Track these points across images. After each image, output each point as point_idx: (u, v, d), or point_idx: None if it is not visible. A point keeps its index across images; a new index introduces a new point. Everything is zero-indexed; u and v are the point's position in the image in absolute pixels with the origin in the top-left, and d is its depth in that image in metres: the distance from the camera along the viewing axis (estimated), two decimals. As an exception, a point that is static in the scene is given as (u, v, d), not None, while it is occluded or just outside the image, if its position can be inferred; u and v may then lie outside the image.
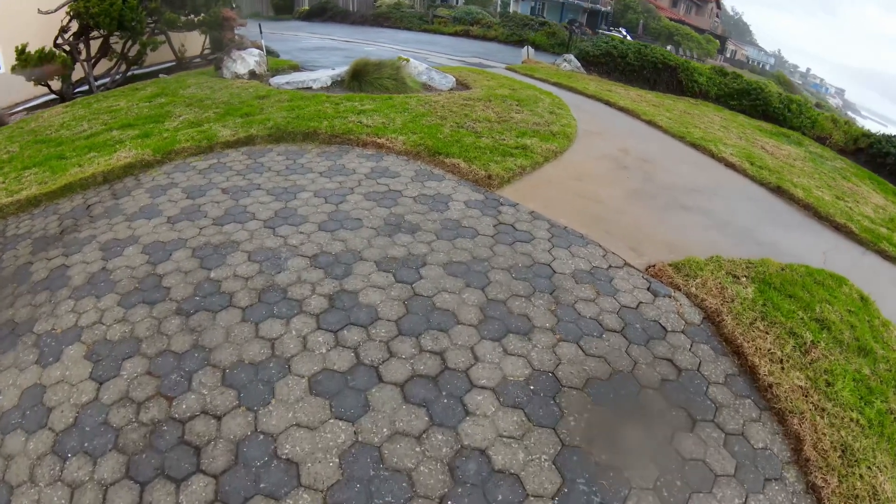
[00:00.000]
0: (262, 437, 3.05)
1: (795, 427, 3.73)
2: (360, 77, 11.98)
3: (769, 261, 5.88)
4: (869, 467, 3.56)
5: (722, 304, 4.76)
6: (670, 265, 5.30)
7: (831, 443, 3.66)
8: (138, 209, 5.63)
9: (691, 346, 4.26)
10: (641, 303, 4.63)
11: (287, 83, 11.73)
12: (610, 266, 5.09)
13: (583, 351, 3.94)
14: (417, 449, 3.13)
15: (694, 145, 10.80)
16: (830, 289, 5.73)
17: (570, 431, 3.32)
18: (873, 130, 15.69)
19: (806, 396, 4.03)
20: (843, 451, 3.64)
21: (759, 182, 9.57)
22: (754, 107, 16.35)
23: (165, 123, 8.52)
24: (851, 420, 3.93)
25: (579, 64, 17.71)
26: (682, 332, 4.39)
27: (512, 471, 3.07)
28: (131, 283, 4.37)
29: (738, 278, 5.36)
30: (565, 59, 17.78)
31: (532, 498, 2.93)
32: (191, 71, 14.22)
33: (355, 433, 3.15)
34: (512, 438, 3.24)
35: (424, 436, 3.21)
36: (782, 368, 4.21)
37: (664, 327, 4.39)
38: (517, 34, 26.95)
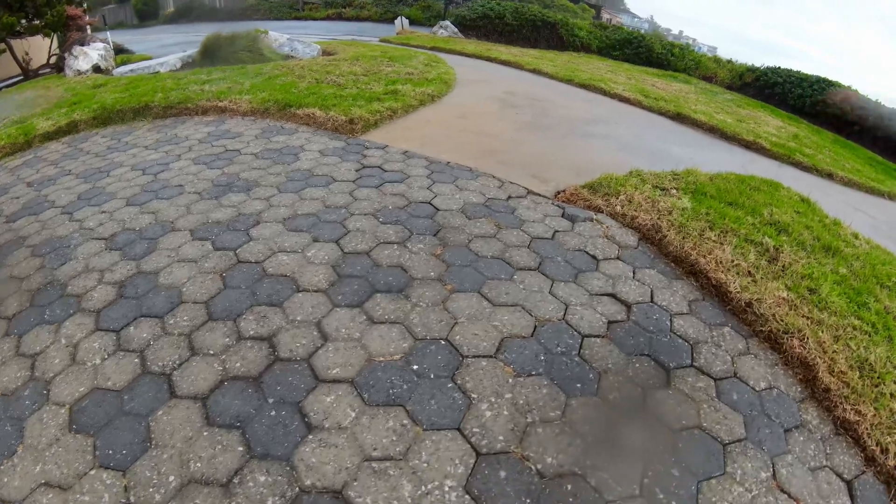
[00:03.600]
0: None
1: (797, 350, 2.70)
2: (212, 53, 10.30)
3: (695, 171, 4.91)
4: None
5: (659, 219, 3.64)
6: (583, 187, 4.13)
7: (846, 360, 2.65)
8: None
9: (634, 272, 3.07)
10: (557, 231, 3.40)
11: (131, 70, 9.99)
12: (510, 196, 3.82)
13: (489, 301, 2.62)
14: (213, 517, 1.68)
15: (583, 86, 9.98)
16: (769, 193, 4.84)
17: (485, 431, 1.97)
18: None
19: (794, 309, 2.99)
20: (861, 369, 2.63)
21: (658, 112, 8.87)
22: (637, 54, 16.11)
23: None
24: (854, 328, 2.99)
25: (456, 29, 16.67)
26: (618, 258, 3.20)
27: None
28: None
29: (668, 190, 4.29)
30: (441, 26, 16.66)
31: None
32: (38, 79, 11.66)
33: (126, 489, 1.67)
34: (389, 461, 1.84)
35: (236, 481, 1.76)
36: (754, 281, 3.14)
37: (593, 256, 3.18)
38: (391, 11, 25.72)
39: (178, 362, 2.29)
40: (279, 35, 11.52)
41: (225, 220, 3.39)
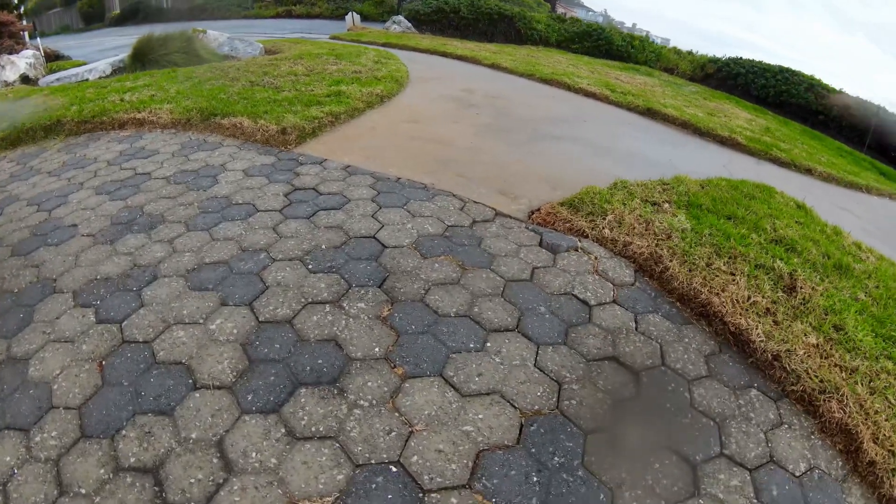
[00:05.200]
0: None
1: (836, 415, 2.09)
2: (144, 56, 9.32)
3: (685, 178, 4.34)
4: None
5: (657, 246, 3.03)
6: (562, 204, 3.49)
7: (888, 422, 2.12)
8: None
9: (636, 322, 2.43)
10: (537, 268, 2.73)
11: (57, 80, 9.09)
12: (474, 221, 3.14)
13: (455, 390, 1.92)
14: None
15: (546, 81, 9.40)
16: (765, 201, 4.33)
17: None
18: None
19: (826, 358, 2.45)
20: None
21: (627, 107, 8.37)
22: (597, 47, 15.67)
23: None
24: (888, 373, 2.46)
25: (410, 24, 15.88)
26: (615, 301, 2.56)
27: None
28: None
29: (659, 205, 3.70)
30: (395, 21, 15.84)
31: None
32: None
33: None
34: None
35: None
36: (776, 323, 2.57)
37: (584, 301, 2.53)
38: (343, 7, 24.68)
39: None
40: (218, 34, 10.57)
41: (115, 276, 2.59)
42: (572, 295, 2.57)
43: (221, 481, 1.58)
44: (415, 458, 1.66)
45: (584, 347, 2.19)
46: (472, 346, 2.10)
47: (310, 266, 2.56)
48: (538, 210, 3.45)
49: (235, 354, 2.02)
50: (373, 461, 1.65)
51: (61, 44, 13.39)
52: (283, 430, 1.73)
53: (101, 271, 2.64)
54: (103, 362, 2.04)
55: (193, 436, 1.72)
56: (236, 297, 2.37)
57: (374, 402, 1.84)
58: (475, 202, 3.36)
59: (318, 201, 3.24)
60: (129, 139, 4.80)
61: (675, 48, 16.47)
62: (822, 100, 12.75)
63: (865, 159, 11.39)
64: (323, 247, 2.71)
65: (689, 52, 16.22)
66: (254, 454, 1.66)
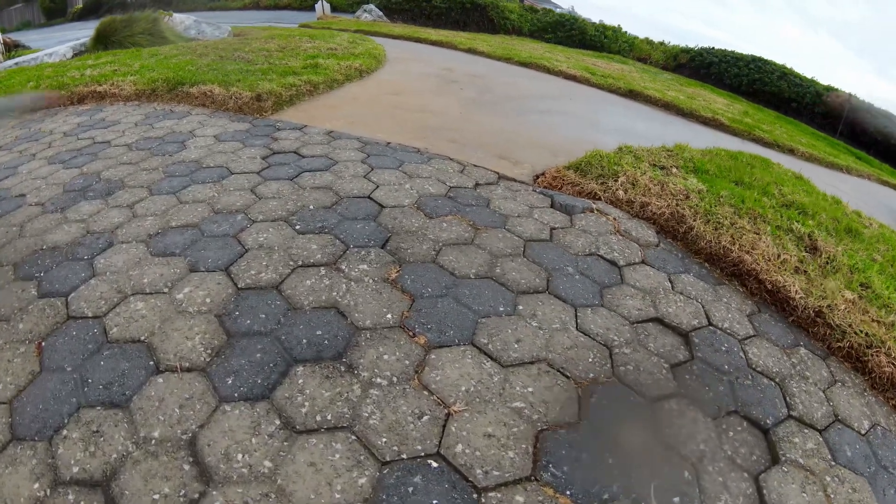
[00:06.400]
0: None
1: (885, 368, 2.07)
2: (106, 38, 8.75)
3: (687, 146, 4.15)
4: None
5: (678, 206, 2.80)
6: (567, 168, 3.24)
7: None
8: None
9: (671, 282, 2.19)
10: (554, 228, 2.47)
11: (15, 64, 8.51)
12: (478, 184, 2.85)
13: (493, 359, 1.63)
14: None
15: (524, 64, 9.20)
16: (766, 170, 4.18)
17: None
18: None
19: (865, 313, 2.24)
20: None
21: (609, 89, 8.22)
22: (570, 37, 15.60)
23: None
24: None
25: (381, 13, 15.50)
26: (644, 261, 2.33)
27: None
28: None
29: (668, 169, 3.49)
30: (366, 10, 15.43)
31: None
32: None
33: None
34: None
35: None
36: (809, 280, 2.36)
37: (612, 262, 2.28)
38: (312, -2, 24.19)
39: None
40: (185, 17, 10.09)
41: (64, 245, 2.20)
42: (598, 255, 2.32)
43: (197, 496, 1.18)
44: (459, 447, 1.32)
45: (623, 309, 1.94)
46: (501, 309, 1.81)
47: (297, 227, 2.22)
48: (543, 174, 3.19)
49: (210, 328, 1.66)
50: (404, 456, 1.29)
51: (22, 38, 12.71)
52: (277, 423, 1.35)
53: (48, 240, 2.26)
54: (42, 343, 1.66)
55: (156, 434, 1.32)
56: (209, 261, 2.02)
57: (395, 379, 1.50)
58: (475, 165, 3.08)
59: (300, 164, 2.90)
60: (88, 112, 4.36)
61: (647, 39, 16.51)
62: (794, 89, 12.94)
63: (839, 144, 11.59)
64: (311, 207, 2.38)
65: (662, 43, 16.29)
66: (240, 456, 1.27)
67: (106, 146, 3.40)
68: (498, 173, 3.02)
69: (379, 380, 1.49)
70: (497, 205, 2.59)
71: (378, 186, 2.62)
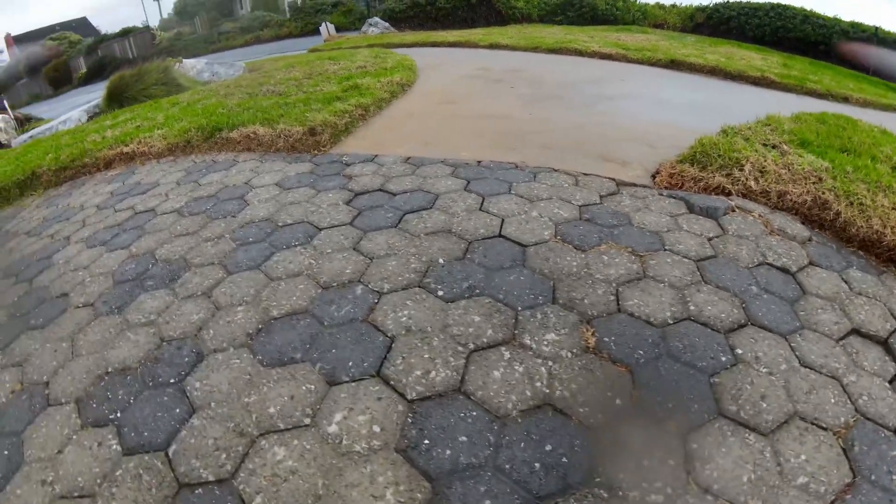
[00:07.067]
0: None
1: None
2: (119, 96, 8.60)
3: (776, 117, 3.72)
4: None
5: (817, 190, 2.39)
6: (681, 161, 2.85)
7: None
8: None
9: (848, 283, 1.83)
10: (710, 239, 2.08)
11: (30, 137, 8.29)
12: (602, 196, 2.47)
13: (748, 427, 1.26)
14: None
15: (554, 51, 8.83)
16: (858, 131, 3.74)
17: None
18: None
19: None
20: None
21: (649, 62, 7.81)
22: (581, 15, 15.09)
23: None
24: None
25: (388, 24, 15.21)
26: (812, 263, 1.96)
27: None
28: None
29: (779, 147, 3.07)
30: (371, 24, 15.16)
31: None
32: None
33: None
34: None
35: None
36: None
37: (783, 269, 1.93)
38: (312, 23, 23.97)
39: None
40: (195, 61, 9.95)
41: (135, 363, 1.72)
42: (768, 264, 1.96)
43: None
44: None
45: (823, 326, 1.66)
46: (724, 359, 1.46)
47: (439, 293, 1.84)
48: (657, 172, 2.80)
49: (399, 474, 1.25)
50: None
51: (33, 111, 12.95)
52: None
53: (111, 359, 1.77)
54: None
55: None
56: (350, 365, 1.56)
57: (670, 491, 1.16)
58: (585, 174, 2.71)
59: (395, 204, 2.55)
60: (119, 177, 3.89)
61: (658, 3, 15.86)
62: (819, 31, 12.22)
63: (880, 82, 10.90)
64: (441, 261, 2.03)
65: (674, 5, 15.64)
66: None
67: (151, 216, 2.95)
68: (614, 179, 2.65)
69: (653, 496, 1.13)
70: (639, 220, 2.22)
71: (503, 220, 2.27)
